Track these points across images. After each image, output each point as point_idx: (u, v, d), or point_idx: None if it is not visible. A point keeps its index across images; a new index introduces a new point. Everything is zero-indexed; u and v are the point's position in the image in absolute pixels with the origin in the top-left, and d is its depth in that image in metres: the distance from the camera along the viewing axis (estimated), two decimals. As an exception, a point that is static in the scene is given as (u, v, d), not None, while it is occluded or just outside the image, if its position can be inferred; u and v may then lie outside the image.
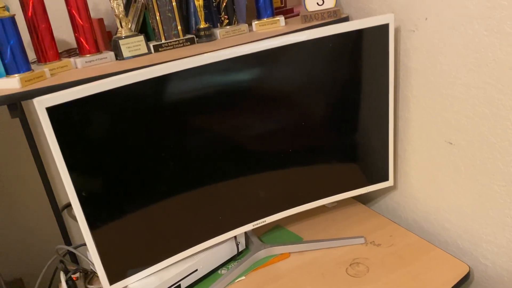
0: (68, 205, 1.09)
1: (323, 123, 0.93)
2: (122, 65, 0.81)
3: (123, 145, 0.76)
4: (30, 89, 0.71)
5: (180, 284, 0.89)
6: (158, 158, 0.79)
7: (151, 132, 0.77)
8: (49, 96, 0.67)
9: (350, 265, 0.93)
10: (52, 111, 0.68)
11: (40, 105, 0.67)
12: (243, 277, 0.94)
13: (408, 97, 0.96)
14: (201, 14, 0.93)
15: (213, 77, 0.79)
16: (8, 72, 0.73)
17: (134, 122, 0.75)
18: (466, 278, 0.88)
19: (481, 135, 0.83)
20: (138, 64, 0.79)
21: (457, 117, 0.86)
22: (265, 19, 0.99)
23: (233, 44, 0.84)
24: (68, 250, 1.00)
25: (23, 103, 0.97)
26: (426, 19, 0.86)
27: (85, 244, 0.96)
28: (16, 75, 0.73)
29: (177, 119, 0.79)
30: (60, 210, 1.04)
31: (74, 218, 1.14)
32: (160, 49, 0.90)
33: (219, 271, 0.96)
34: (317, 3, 0.98)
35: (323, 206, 1.16)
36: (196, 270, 0.91)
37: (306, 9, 0.99)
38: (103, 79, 0.71)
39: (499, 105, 0.78)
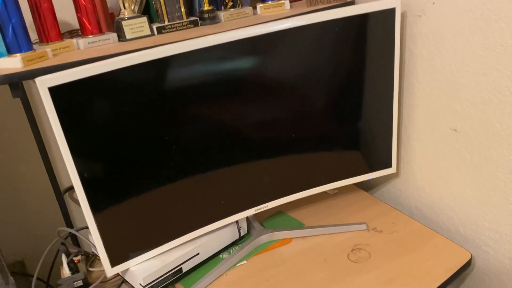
0: (70, 188, 1.09)
1: (327, 109, 0.92)
2: (125, 47, 0.80)
3: (125, 127, 0.75)
4: (32, 68, 0.70)
5: (181, 268, 0.89)
6: (161, 141, 0.79)
7: (154, 115, 0.76)
8: (51, 75, 0.67)
9: (352, 251, 0.93)
10: (55, 91, 0.67)
11: (43, 84, 0.66)
12: (245, 262, 0.94)
13: (413, 83, 0.95)
14: (205, -4, 0.92)
15: (217, 60, 0.78)
16: (9, 51, 0.73)
17: (137, 104, 0.74)
18: (468, 265, 0.88)
19: (487, 122, 0.82)
20: (141, 46, 0.79)
21: (463, 104, 0.85)
22: (269, 2, 0.98)
23: (237, 27, 0.83)
24: (69, 233, 1.00)
25: (25, 85, 0.96)
26: (433, 3, 0.85)
27: (86, 227, 0.96)
28: (17, 54, 0.72)
29: (180, 102, 0.78)
30: (62, 193, 1.04)
31: (76, 201, 1.14)
32: (163, 31, 0.89)
33: (220, 255, 0.96)
34: (323, -13, 0.97)
35: (325, 193, 1.16)
36: (198, 254, 0.91)
37: (312, -7, 0.97)
38: (106, 59, 0.70)
39: (506, 92, 0.77)
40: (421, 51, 0.91)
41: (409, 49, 0.94)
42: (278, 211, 1.11)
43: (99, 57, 0.74)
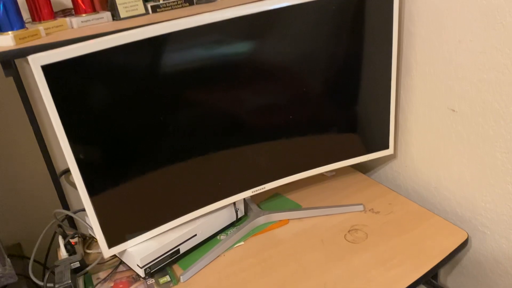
0: (66, 171, 1.08)
1: (324, 90, 0.91)
2: (119, 25, 0.79)
3: (121, 108, 0.74)
4: (24, 46, 0.69)
5: (179, 249, 0.89)
6: (157, 121, 0.78)
7: (149, 95, 0.75)
8: (44, 53, 0.65)
9: (349, 231, 0.94)
10: (48, 70, 0.66)
11: (36, 62, 0.65)
12: (242, 243, 0.94)
13: (411, 63, 0.94)
14: (200, -26, 0.90)
15: (213, 39, 0.77)
16: (1, 29, 0.71)
17: (132, 83, 0.73)
18: (465, 245, 0.88)
19: (485, 101, 0.81)
20: (135, 24, 0.77)
21: (461, 84, 0.85)
22: (266, -19, 0.96)
23: (234, 5, 0.81)
24: (66, 215, 1.00)
25: (18, 66, 0.95)
26: (433, -19, 0.84)
27: (83, 210, 0.95)
28: (9, 32, 0.71)
29: (176, 83, 0.77)
30: (58, 176, 1.03)
31: (72, 184, 1.13)
32: (158, 10, 0.87)
33: (218, 237, 0.96)
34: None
35: (322, 175, 1.16)
36: (195, 235, 0.91)
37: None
38: (100, 37, 0.69)
39: (504, 70, 0.76)
40: (419, 31, 0.90)
41: (407, 29, 0.93)
42: (276, 193, 1.11)
43: (93, 35, 0.73)
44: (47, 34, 0.78)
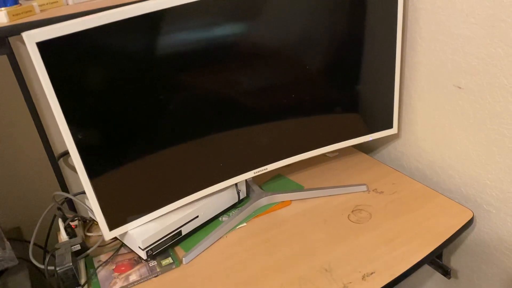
0: (65, 154, 1.06)
1: (327, 68, 0.89)
2: (115, 1, 0.76)
3: (120, 86, 0.72)
4: (18, 23, 0.66)
5: (181, 230, 0.88)
6: (156, 101, 0.76)
7: (148, 73, 0.73)
8: (39, 30, 0.63)
9: (352, 211, 0.92)
10: (43, 47, 0.64)
11: (30, 39, 0.63)
12: (244, 224, 0.93)
13: (416, 39, 0.92)
14: None
15: (215, 15, 0.74)
16: (-6, 6, 0.69)
17: (131, 61, 0.71)
18: (470, 223, 0.88)
19: (493, 77, 0.79)
20: (131, 0, 0.75)
21: (468, 59, 0.83)
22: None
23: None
24: (65, 198, 0.98)
25: (13, 45, 0.92)
26: (440, -47, 0.81)
27: (83, 193, 0.94)
28: (2, 8, 0.68)
29: (175, 61, 0.75)
30: (56, 159, 1.02)
31: (71, 167, 1.11)
32: (156, -14, 0.84)
33: (220, 218, 0.95)
34: None
35: (325, 156, 1.15)
36: (197, 216, 0.90)
37: None
38: (96, 13, 0.67)
39: (513, 44, 0.74)
40: (425, 6, 0.87)
41: (412, 4, 0.90)
42: (278, 174, 1.09)
43: (89, 10, 0.70)
44: (41, 10, 0.75)
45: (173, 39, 0.73)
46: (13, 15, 0.68)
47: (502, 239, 0.89)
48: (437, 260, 0.95)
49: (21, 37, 0.62)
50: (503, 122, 0.81)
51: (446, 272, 0.94)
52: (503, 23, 0.74)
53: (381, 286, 0.74)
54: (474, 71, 0.82)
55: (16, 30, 0.66)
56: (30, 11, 0.71)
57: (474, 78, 0.83)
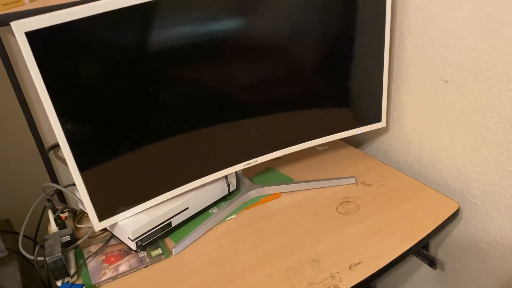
0: (55, 146, 1.06)
1: (316, 63, 0.90)
2: (106, -8, 0.76)
3: (110, 78, 0.72)
4: (7, 12, 0.66)
5: (171, 222, 0.88)
6: (147, 93, 0.76)
7: (139, 65, 0.73)
8: (28, 19, 0.63)
9: (341, 203, 0.94)
10: (33, 37, 0.64)
11: (19, 29, 0.63)
12: (234, 216, 0.94)
13: (405, 34, 0.93)
14: None
15: (207, 7, 0.75)
16: (-18, -5, 0.69)
17: (121, 52, 0.71)
18: (456, 215, 0.89)
19: (479, 71, 0.81)
20: (123, -9, 0.75)
21: (455, 53, 0.84)
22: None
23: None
24: (55, 190, 0.99)
25: (2, 37, 0.92)
26: None
27: (73, 185, 0.94)
28: (-9, -2, 0.68)
29: (166, 53, 0.75)
30: (46, 151, 1.02)
31: (61, 159, 1.11)
32: (146, -22, 0.84)
33: (210, 210, 0.96)
34: None
35: (314, 149, 1.16)
36: (187, 208, 0.90)
37: None
38: (87, 3, 0.67)
39: (499, 38, 0.75)
40: (413, 0, 0.88)
41: (401, -2, 0.91)
42: (268, 167, 1.10)
43: (80, 0, 0.70)
44: (31, 1, 0.75)
45: (163, 32, 0.73)
46: (2, 5, 0.68)
47: (487, 231, 0.90)
48: (423, 251, 0.96)
49: (11, 28, 0.62)
50: (488, 115, 0.82)
51: (432, 263, 0.96)
52: (489, 18, 0.76)
53: (367, 276, 0.75)
54: (461, 65, 0.84)
55: (5, 19, 0.66)
56: (20, 1, 0.71)
57: (461, 72, 0.84)
